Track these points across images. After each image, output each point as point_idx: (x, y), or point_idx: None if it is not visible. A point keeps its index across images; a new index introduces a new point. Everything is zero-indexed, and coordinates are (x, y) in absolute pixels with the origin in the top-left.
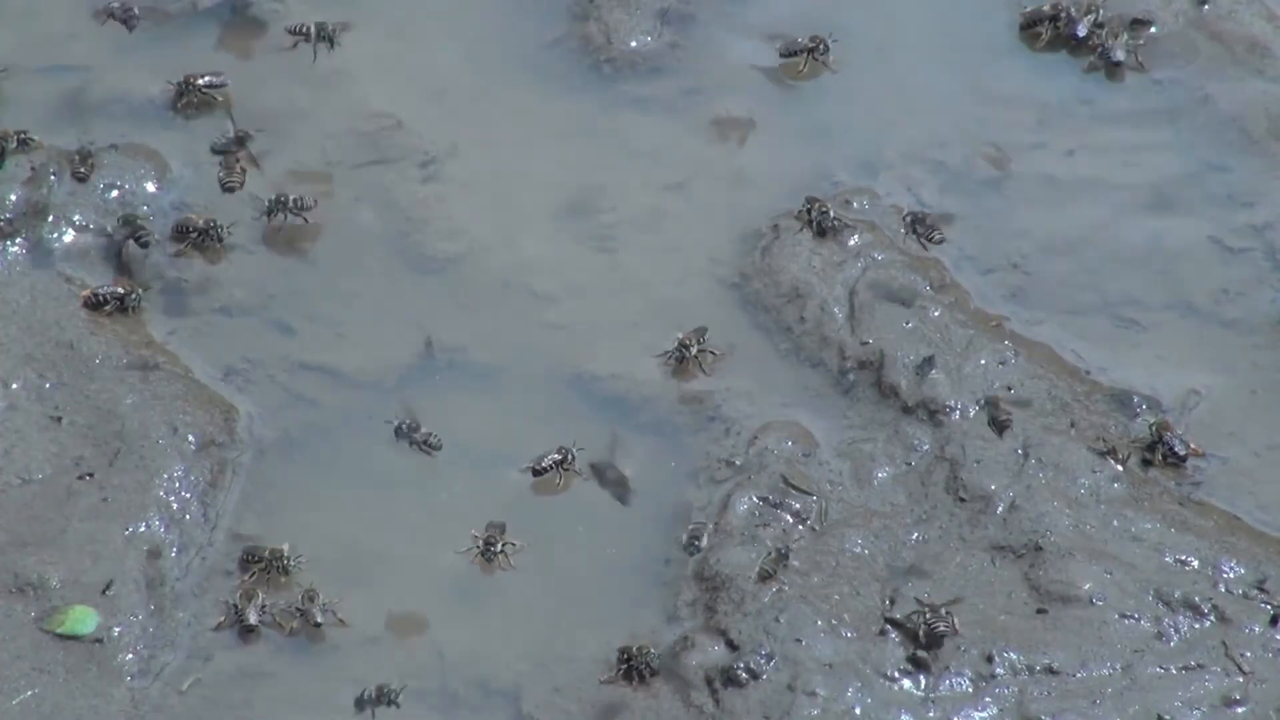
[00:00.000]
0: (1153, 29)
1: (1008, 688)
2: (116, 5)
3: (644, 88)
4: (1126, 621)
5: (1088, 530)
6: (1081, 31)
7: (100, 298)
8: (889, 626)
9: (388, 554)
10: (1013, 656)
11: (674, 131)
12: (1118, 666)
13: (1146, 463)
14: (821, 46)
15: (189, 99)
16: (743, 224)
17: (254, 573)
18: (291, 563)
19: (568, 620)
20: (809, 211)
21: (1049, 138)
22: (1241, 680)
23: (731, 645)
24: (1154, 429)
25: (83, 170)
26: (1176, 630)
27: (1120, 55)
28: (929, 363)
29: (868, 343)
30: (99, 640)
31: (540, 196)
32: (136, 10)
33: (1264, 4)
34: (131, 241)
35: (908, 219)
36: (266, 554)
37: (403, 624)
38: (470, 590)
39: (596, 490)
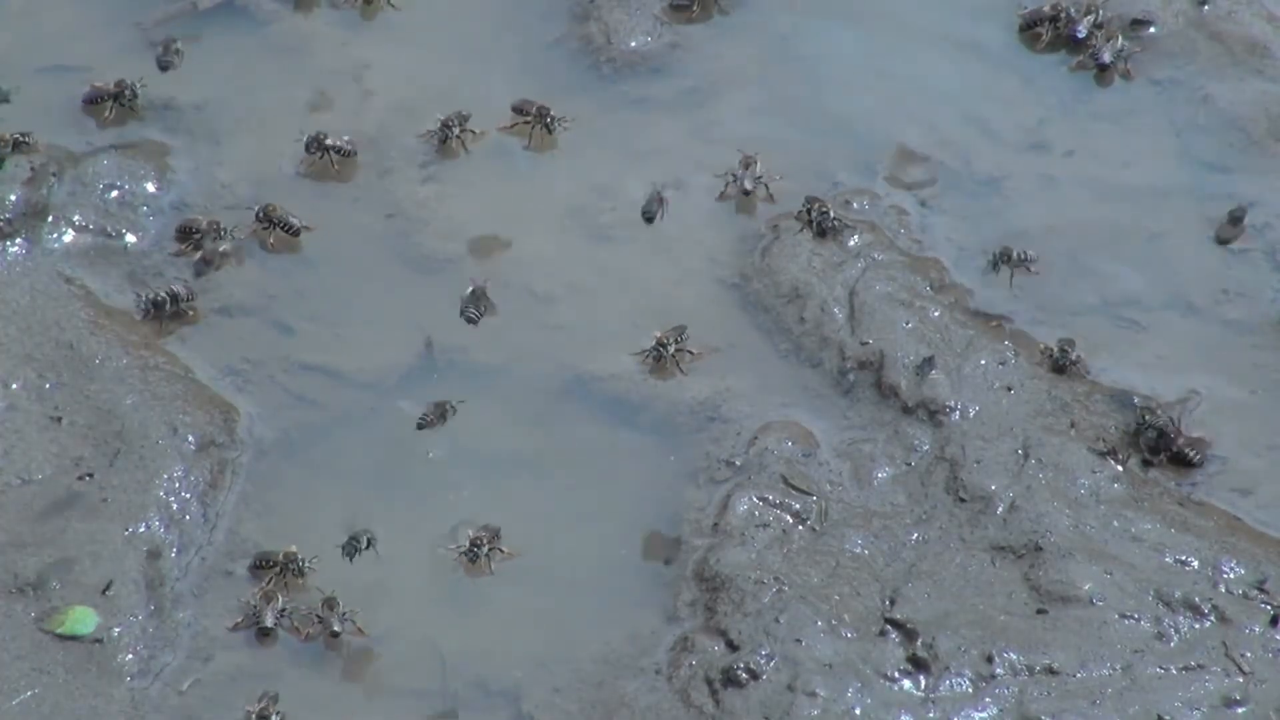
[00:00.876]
0: (1152, 29)
1: (1008, 688)
2: (159, 47)
3: (644, 88)
4: (1126, 622)
5: (1088, 530)
6: (1081, 32)
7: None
8: (889, 626)
9: (387, 554)
10: (1013, 657)
11: (674, 131)
12: (1118, 667)
13: (1147, 463)
14: None
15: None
16: (743, 224)
17: (270, 578)
18: (306, 564)
19: (568, 620)
20: (809, 211)
21: (1049, 138)
22: (1241, 680)
23: (731, 645)
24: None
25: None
26: (1176, 630)
27: (1107, 58)
28: (929, 363)
29: (868, 343)
30: (99, 640)
31: (540, 197)
32: (178, 48)
33: (1264, 4)
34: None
35: (998, 254)
36: (280, 558)
37: (403, 624)
38: (470, 591)
39: (597, 490)
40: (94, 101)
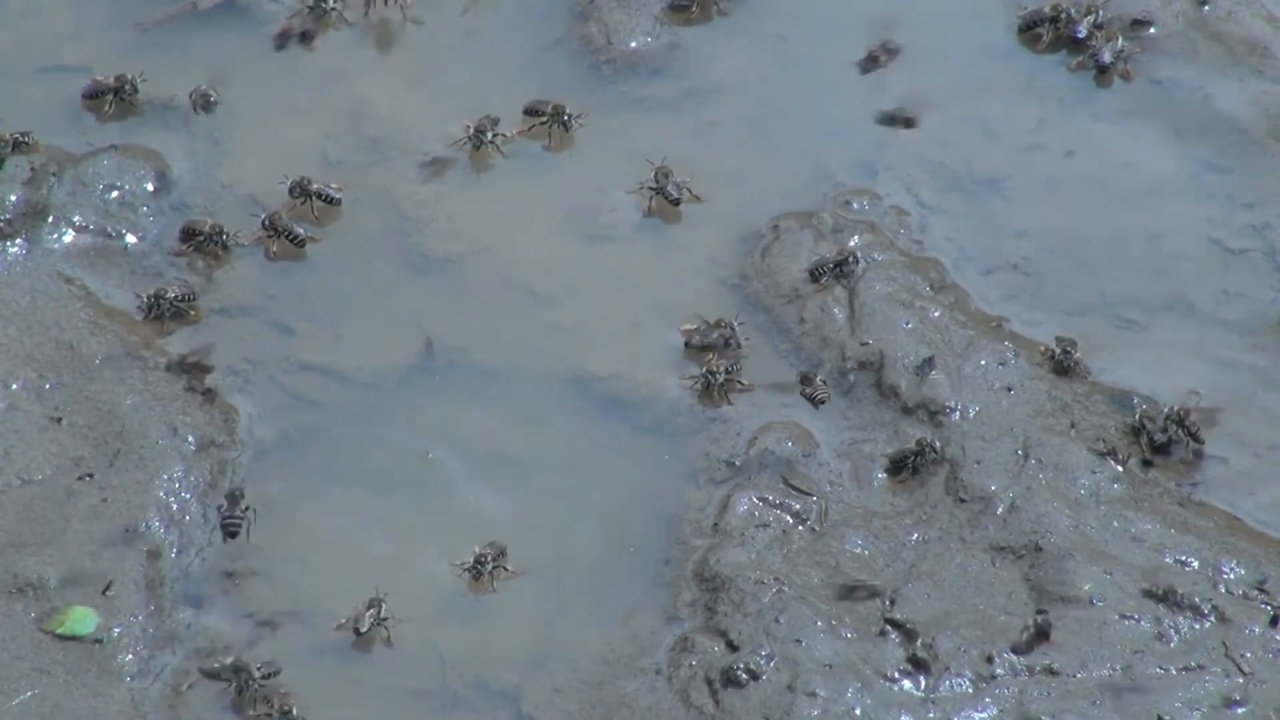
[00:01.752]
0: (1152, 29)
1: (1008, 688)
2: (197, 92)
3: (644, 88)
4: (1126, 622)
5: (1088, 531)
6: (1082, 33)
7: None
8: (889, 626)
9: (388, 554)
10: (1013, 657)
11: (674, 131)
12: (1118, 667)
13: (1147, 464)
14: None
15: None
16: (743, 224)
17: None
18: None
19: (568, 620)
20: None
21: (1049, 138)
22: (1241, 681)
23: (731, 645)
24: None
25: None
26: (1176, 631)
27: (1107, 58)
28: (929, 363)
29: (868, 343)
30: (99, 641)
31: (540, 197)
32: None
33: (1264, 4)
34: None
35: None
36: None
37: (403, 624)
38: (470, 591)
39: (597, 490)
40: (94, 96)
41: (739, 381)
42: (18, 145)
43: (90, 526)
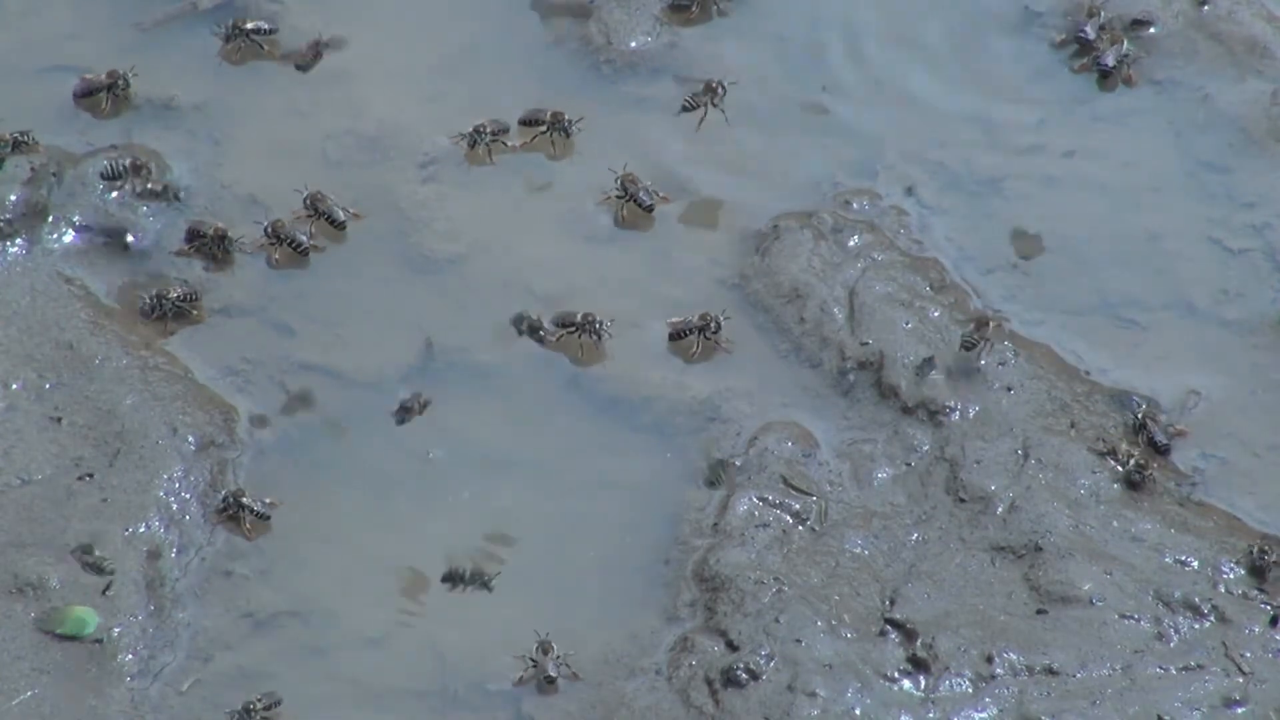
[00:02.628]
0: (1152, 29)
1: (1008, 688)
2: (283, 231)
3: (644, 88)
4: (1126, 622)
5: (1087, 531)
6: (1090, 34)
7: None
8: (889, 627)
9: (388, 554)
10: (1013, 657)
11: (674, 131)
12: (1118, 667)
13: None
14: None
15: (238, 43)
16: (743, 224)
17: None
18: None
19: (568, 621)
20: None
21: (1049, 138)
22: (1241, 680)
23: (731, 645)
24: (1140, 417)
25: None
26: (1176, 631)
27: (1110, 62)
28: (929, 363)
29: (868, 343)
30: (99, 641)
31: (540, 197)
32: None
33: (1264, 4)
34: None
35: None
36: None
37: (403, 624)
38: (470, 590)
39: (596, 491)
40: (88, 94)
41: (718, 341)
42: (18, 145)
43: (90, 527)
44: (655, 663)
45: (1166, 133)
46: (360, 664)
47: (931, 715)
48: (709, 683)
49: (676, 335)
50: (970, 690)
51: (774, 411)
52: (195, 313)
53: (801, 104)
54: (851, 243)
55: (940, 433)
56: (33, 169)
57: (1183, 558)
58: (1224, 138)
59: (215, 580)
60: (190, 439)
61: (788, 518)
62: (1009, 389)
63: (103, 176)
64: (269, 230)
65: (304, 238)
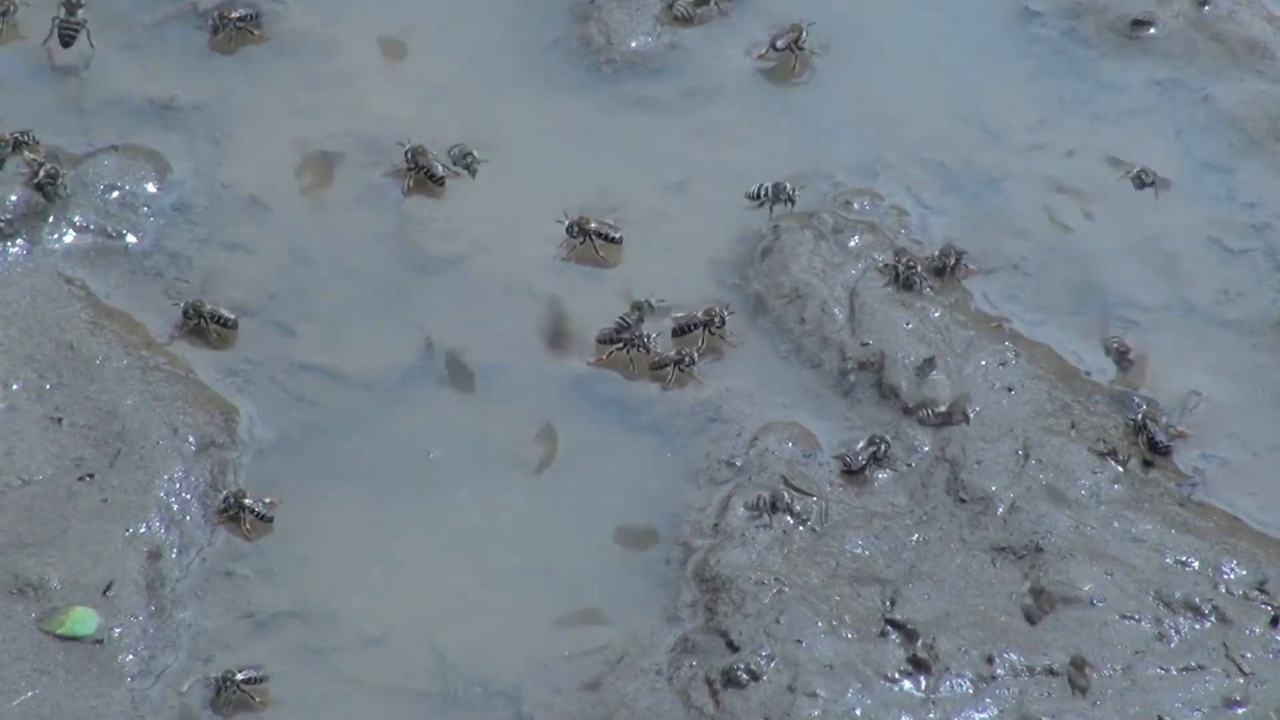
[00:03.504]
0: (1152, 29)
1: (1008, 688)
2: (423, 159)
3: (644, 88)
4: (1127, 622)
5: (1088, 531)
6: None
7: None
8: (889, 627)
9: (388, 554)
10: (1013, 657)
11: (674, 132)
12: (1118, 667)
13: (1147, 464)
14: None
15: (227, 33)
16: (743, 224)
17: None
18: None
19: (568, 621)
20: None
21: (1049, 138)
22: (1242, 681)
23: (732, 646)
24: (1140, 418)
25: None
26: (1177, 631)
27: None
28: (929, 364)
29: (868, 344)
30: (99, 641)
31: (540, 197)
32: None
33: (1264, 4)
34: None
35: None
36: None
37: (403, 624)
38: (470, 590)
39: (597, 490)
40: None
41: (722, 336)
42: (18, 145)
43: (90, 527)
44: (655, 663)
45: (1166, 132)
46: (360, 664)
47: (932, 716)
48: (709, 683)
49: (680, 330)
50: (971, 691)
51: (774, 412)
52: (230, 334)
53: (801, 104)
54: (852, 243)
55: (941, 433)
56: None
57: (1183, 558)
58: (1224, 138)
59: (216, 580)
60: (190, 439)
61: (788, 518)
62: (1009, 389)
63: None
64: (409, 155)
65: (441, 168)
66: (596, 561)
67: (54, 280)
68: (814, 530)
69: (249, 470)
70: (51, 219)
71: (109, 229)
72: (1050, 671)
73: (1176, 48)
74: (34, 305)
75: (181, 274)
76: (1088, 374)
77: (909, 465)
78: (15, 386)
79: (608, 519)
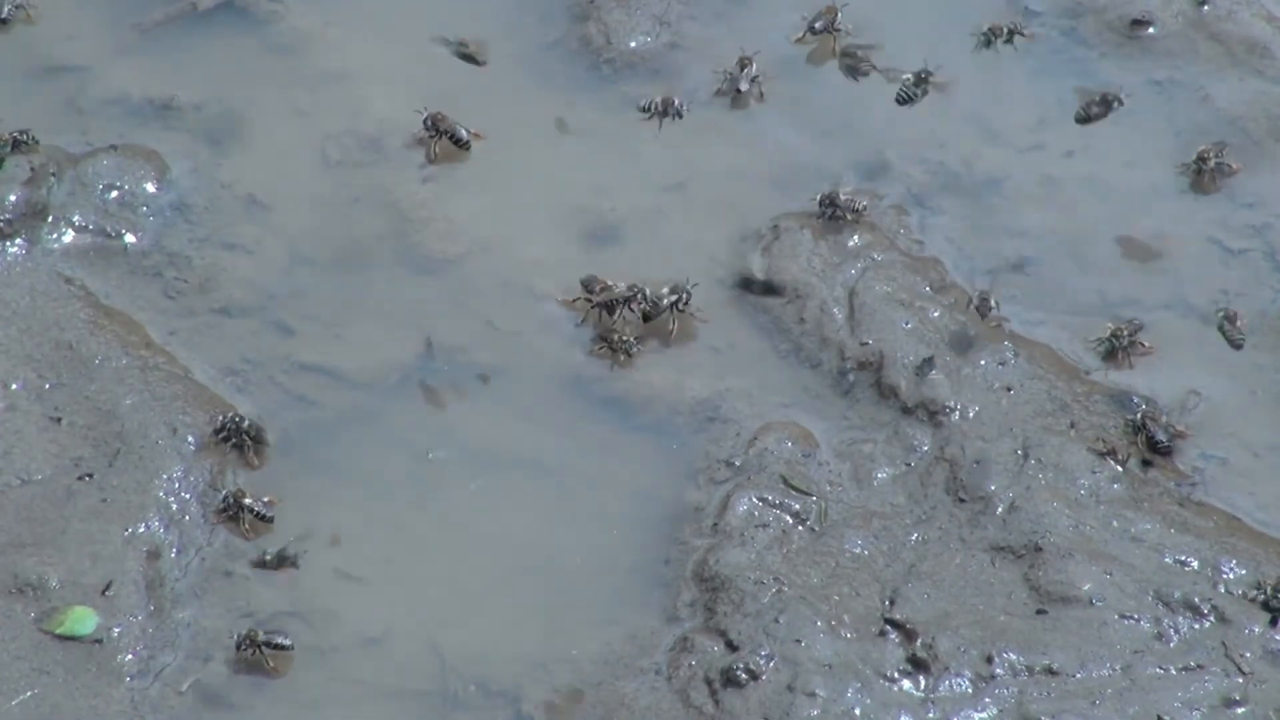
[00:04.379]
0: (1152, 29)
1: (1007, 688)
2: (444, 124)
3: (644, 88)
4: (1126, 622)
5: (1087, 531)
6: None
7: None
8: (889, 627)
9: (388, 554)
10: (1012, 657)
11: (674, 132)
12: (1118, 667)
13: (1147, 464)
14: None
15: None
16: (742, 224)
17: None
18: None
19: (568, 621)
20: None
21: (1049, 138)
22: (1241, 681)
23: (731, 646)
24: (1140, 417)
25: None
26: (1176, 631)
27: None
28: (929, 363)
29: (867, 343)
30: (98, 641)
31: (540, 197)
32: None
33: (1264, 4)
34: None
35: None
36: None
37: (403, 624)
38: (470, 591)
39: (596, 490)
40: None
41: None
42: (18, 145)
43: (90, 527)
44: (655, 663)
45: (1166, 133)
46: (360, 664)
47: (931, 715)
48: (709, 683)
49: (645, 318)
50: (970, 690)
51: (774, 412)
52: (259, 448)
53: (801, 104)
54: (851, 243)
55: (940, 433)
56: (33, 169)
57: (1183, 558)
58: (1224, 138)
59: (215, 580)
60: (190, 439)
61: (787, 518)
62: (1009, 389)
63: None
64: (429, 123)
65: (464, 132)
66: (596, 561)
67: (53, 280)
68: (813, 530)
69: (249, 470)
70: (51, 219)
71: (108, 229)
72: (1050, 671)
73: (1176, 47)
74: (33, 305)
75: (181, 274)
76: (1087, 374)
77: (909, 465)
78: (15, 386)
79: (607, 519)
